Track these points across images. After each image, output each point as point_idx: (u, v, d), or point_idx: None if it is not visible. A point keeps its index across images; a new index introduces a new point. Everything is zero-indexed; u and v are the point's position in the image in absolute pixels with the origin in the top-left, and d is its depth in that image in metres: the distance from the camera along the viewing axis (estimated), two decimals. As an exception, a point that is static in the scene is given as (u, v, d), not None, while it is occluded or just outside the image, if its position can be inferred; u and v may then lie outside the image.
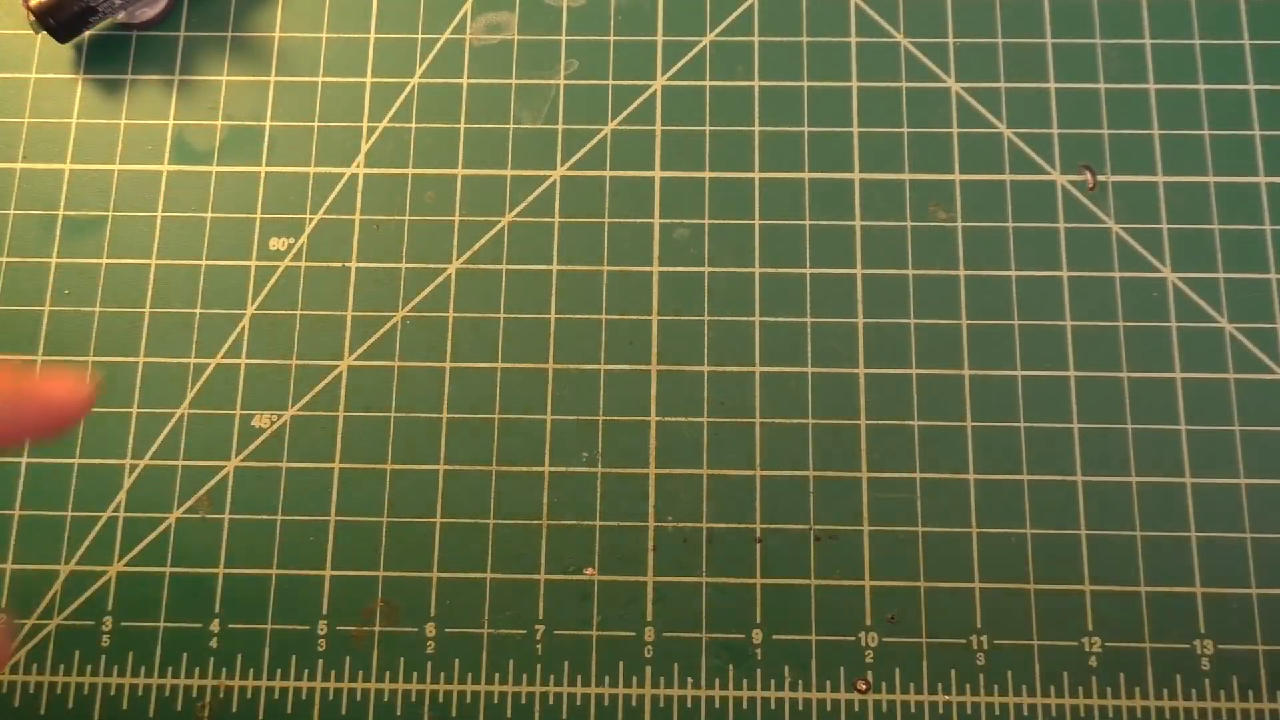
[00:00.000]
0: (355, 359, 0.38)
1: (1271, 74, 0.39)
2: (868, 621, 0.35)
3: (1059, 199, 0.38)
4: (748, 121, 0.39)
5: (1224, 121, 0.39)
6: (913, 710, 0.34)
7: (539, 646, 0.35)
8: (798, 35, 0.40)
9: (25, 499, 0.37)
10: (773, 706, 0.34)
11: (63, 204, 0.39)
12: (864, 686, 0.34)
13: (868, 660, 0.34)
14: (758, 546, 0.35)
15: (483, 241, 0.38)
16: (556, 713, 0.34)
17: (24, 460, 0.37)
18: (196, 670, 0.35)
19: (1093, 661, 0.34)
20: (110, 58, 0.41)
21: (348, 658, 0.35)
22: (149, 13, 0.36)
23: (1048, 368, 0.37)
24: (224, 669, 0.35)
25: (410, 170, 0.39)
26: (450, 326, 0.38)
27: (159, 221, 0.39)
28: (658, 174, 0.39)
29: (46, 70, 0.41)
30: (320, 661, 0.35)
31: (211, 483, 0.37)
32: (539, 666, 0.35)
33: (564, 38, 0.41)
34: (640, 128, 0.39)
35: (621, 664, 0.35)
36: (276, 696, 0.35)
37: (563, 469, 0.36)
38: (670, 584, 0.35)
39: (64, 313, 0.38)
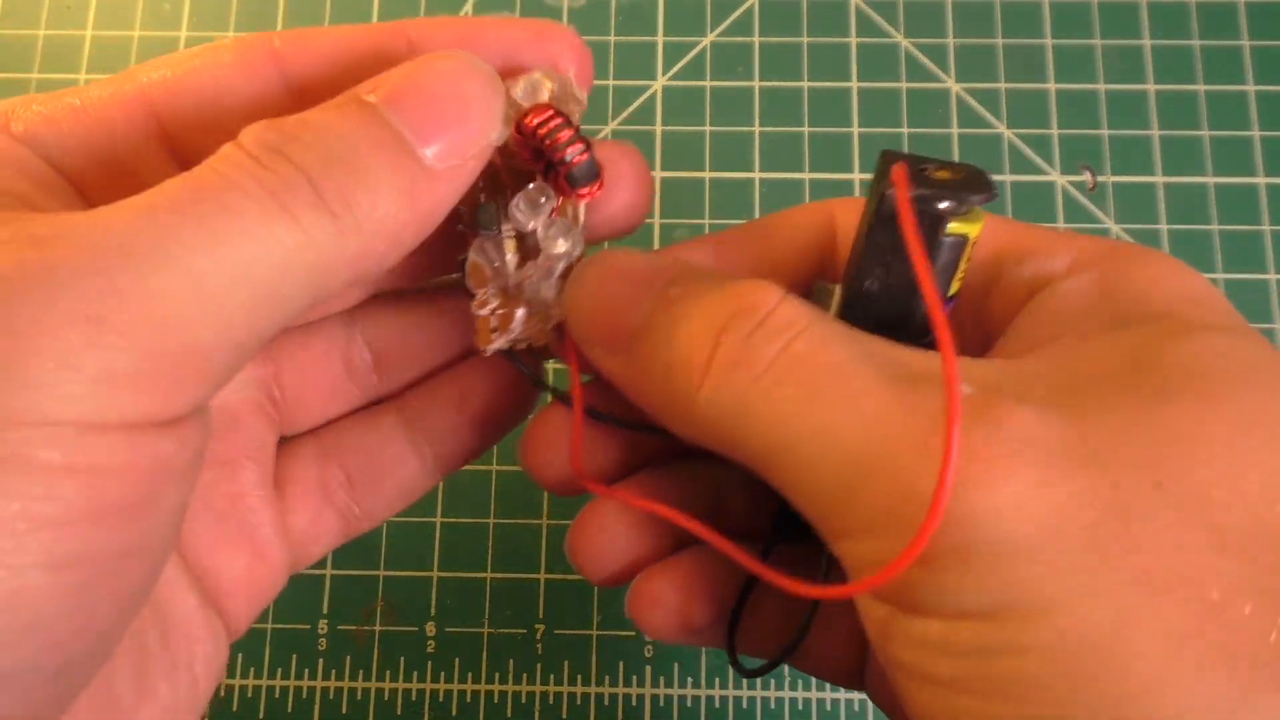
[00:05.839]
0: (356, 359, 0.38)
1: (1271, 75, 0.39)
2: (867, 621, 0.35)
3: (1059, 199, 0.38)
4: (748, 121, 0.39)
5: (1223, 122, 0.39)
6: (912, 710, 0.34)
7: (539, 646, 0.35)
8: (798, 35, 0.40)
9: (26, 498, 0.37)
10: (772, 706, 0.34)
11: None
12: (863, 686, 0.34)
13: (867, 660, 0.35)
14: (757, 546, 0.35)
15: (483, 241, 0.38)
16: (556, 712, 0.34)
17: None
18: (197, 669, 0.35)
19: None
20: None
21: (348, 657, 0.35)
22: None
23: (1047, 368, 0.37)
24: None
25: (411, 170, 0.39)
26: (451, 326, 0.38)
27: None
28: (658, 174, 0.39)
29: (49, 71, 0.41)
30: (321, 661, 0.35)
31: (212, 482, 0.37)
32: (539, 666, 0.35)
33: (564, 38, 0.41)
34: (640, 128, 0.39)
35: (621, 664, 0.35)
36: (277, 695, 0.35)
37: (563, 469, 0.36)
38: (670, 584, 0.35)
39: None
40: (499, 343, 0.20)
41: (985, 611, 0.14)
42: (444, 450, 0.23)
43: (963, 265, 0.19)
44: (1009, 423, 0.15)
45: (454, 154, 0.17)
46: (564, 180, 0.19)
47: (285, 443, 0.22)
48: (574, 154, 0.19)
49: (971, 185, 0.18)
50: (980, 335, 0.20)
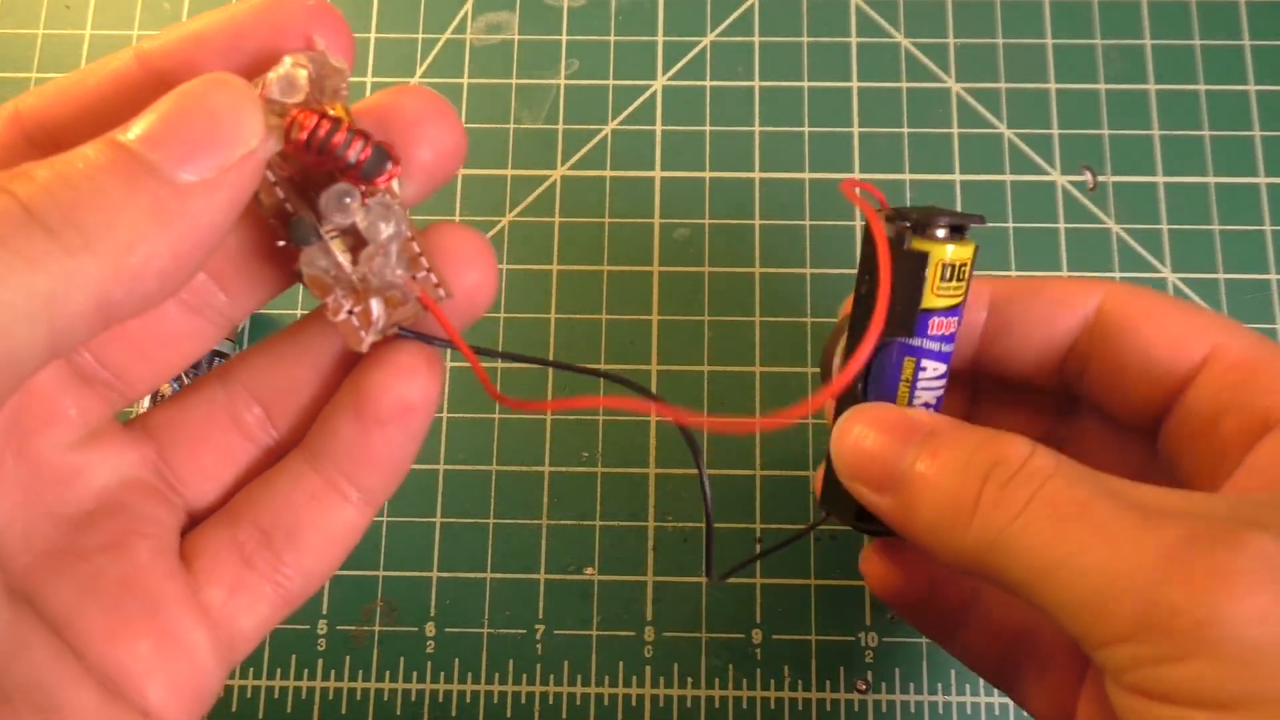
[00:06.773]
0: (355, 359, 0.38)
1: (1271, 75, 0.39)
2: (868, 621, 0.35)
3: (1059, 199, 0.38)
4: (748, 121, 0.39)
5: (1224, 122, 0.39)
6: (912, 710, 0.34)
7: (539, 646, 0.35)
8: (798, 35, 0.40)
9: (25, 498, 0.36)
10: (772, 706, 0.34)
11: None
12: (864, 686, 0.34)
13: (868, 660, 0.34)
14: (758, 546, 0.35)
15: (483, 241, 0.38)
16: (556, 713, 0.34)
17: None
18: (196, 670, 0.35)
19: (1092, 661, 0.34)
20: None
21: (348, 657, 0.35)
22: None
23: (1048, 368, 0.37)
24: (224, 669, 0.35)
25: (410, 170, 0.39)
26: (450, 326, 0.38)
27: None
28: (658, 174, 0.39)
29: (48, 70, 0.41)
30: (320, 661, 0.35)
31: (212, 482, 0.37)
32: (539, 666, 0.35)
33: (564, 38, 0.41)
34: (640, 128, 0.39)
35: (621, 664, 0.35)
36: (276, 696, 0.35)
37: (563, 469, 0.36)
38: (670, 584, 0.35)
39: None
40: (370, 338, 0.20)
41: (1226, 702, 0.17)
42: (360, 473, 0.21)
43: (931, 280, 0.23)
44: (1251, 546, 0.17)
45: (203, 167, 0.16)
46: (362, 179, 0.18)
47: (196, 521, 0.21)
48: (356, 154, 0.18)
49: (942, 216, 0.23)
50: (1212, 459, 0.23)
